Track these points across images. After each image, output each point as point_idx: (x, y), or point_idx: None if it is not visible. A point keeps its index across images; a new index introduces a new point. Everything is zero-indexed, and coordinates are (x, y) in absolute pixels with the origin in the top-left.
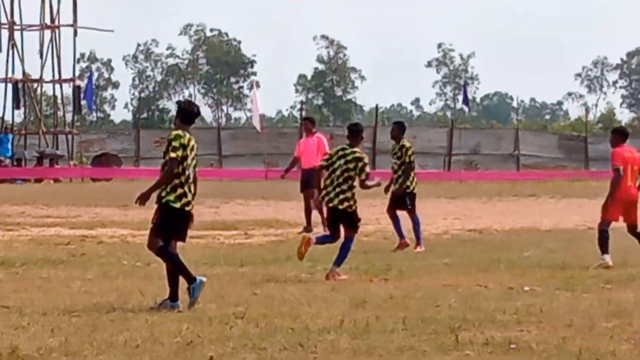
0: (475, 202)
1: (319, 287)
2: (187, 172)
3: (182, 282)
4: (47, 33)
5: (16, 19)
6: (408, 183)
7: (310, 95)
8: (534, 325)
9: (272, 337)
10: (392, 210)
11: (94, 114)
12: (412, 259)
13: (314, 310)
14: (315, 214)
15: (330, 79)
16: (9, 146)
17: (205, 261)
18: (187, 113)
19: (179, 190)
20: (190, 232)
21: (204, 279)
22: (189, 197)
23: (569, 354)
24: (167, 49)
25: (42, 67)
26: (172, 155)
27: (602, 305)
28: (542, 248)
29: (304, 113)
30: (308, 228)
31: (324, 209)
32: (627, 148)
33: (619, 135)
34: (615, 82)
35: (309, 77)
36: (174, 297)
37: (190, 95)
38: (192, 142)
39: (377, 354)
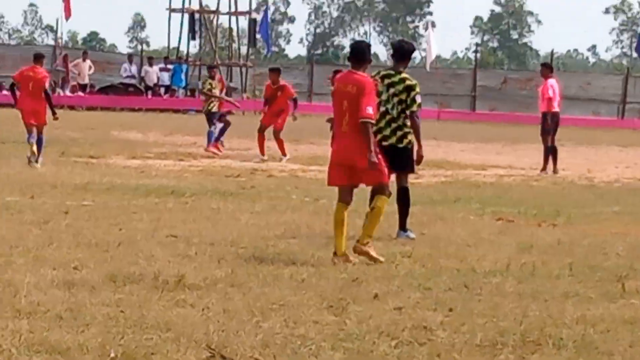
0: None
1: (486, 229)
2: (380, 109)
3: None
4: None
5: None
6: None
7: (485, 38)
8: None
9: (437, 277)
10: None
11: (268, 50)
12: (581, 206)
13: (481, 252)
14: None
15: (506, 22)
16: (183, 77)
17: None
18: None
19: (375, 127)
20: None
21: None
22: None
23: None
24: None
25: None
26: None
27: None
28: None
29: (478, 55)
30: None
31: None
32: None
33: None
34: None
35: (485, 19)
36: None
37: (365, 34)
38: None
39: (542, 299)
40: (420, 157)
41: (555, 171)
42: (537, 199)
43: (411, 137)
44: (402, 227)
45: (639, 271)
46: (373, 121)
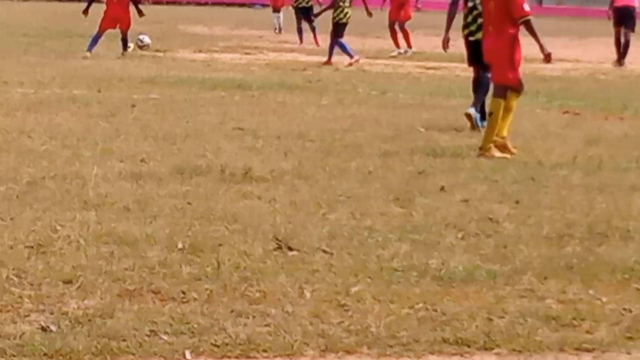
0: None
1: (553, 122)
2: (469, 4)
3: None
4: None
5: None
6: None
7: None
8: None
9: (504, 169)
10: None
11: None
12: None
13: (548, 145)
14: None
15: None
16: None
17: (441, 93)
18: None
19: (464, 22)
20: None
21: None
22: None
23: None
24: None
25: None
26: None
27: None
28: None
29: None
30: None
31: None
32: None
33: None
34: None
35: None
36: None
37: None
38: None
39: (608, 192)
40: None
41: (620, 64)
42: (604, 92)
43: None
44: (481, 116)
45: None
46: (531, 17)
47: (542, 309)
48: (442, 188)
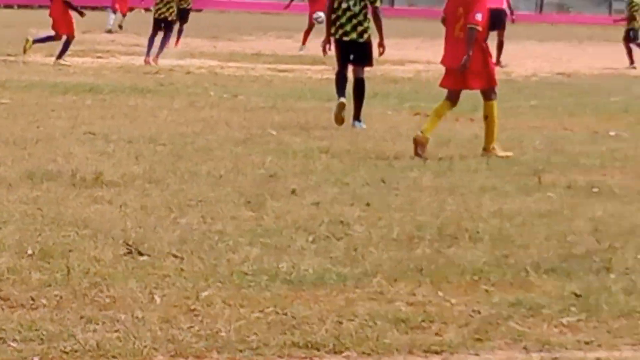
0: (565, 45)
1: (404, 124)
2: (342, 6)
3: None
4: None
5: None
6: None
7: None
8: (618, 170)
9: (354, 172)
10: None
11: None
12: (499, 100)
13: (398, 147)
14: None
15: None
16: None
17: (292, 95)
18: None
19: (337, 23)
20: (278, 66)
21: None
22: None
23: None
24: None
25: None
26: None
27: None
28: (630, 94)
29: None
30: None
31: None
32: None
33: None
34: None
35: None
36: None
37: None
38: None
39: (458, 193)
40: (383, 49)
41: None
42: None
43: (371, 32)
44: (357, 117)
45: (556, 165)
46: (480, 28)
47: (392, 312)
48: (293, 191)
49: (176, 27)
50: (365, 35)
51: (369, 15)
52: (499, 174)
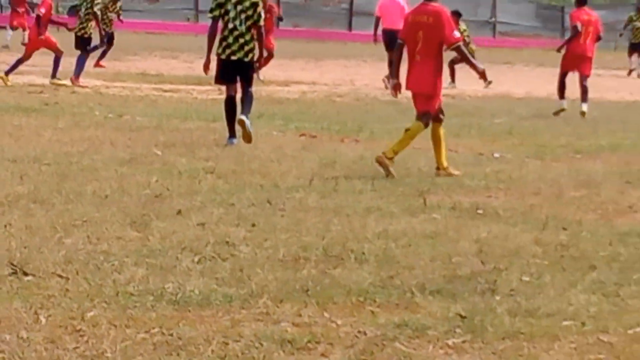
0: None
1: (289, 145)
2: (229, 26)
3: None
4: None
5: None
6: None
7: None
8: (502, 192)
9: (240, 192)
10: None
11: None
12: (384, 122)
13: (284, 168)
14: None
15: None
16: None
17: (178, 115)
18: None
19: (223, 43)
20: (163, 86)
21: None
22: (234, 47)
23: (536, 220)
24: None
25: None
26: (209, 15)
27: (570, 174)
28: (514, 115)
29: None
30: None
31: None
32: (586, 11)
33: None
34: None
35: None
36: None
37: None
38: None
39: (344, 214)
40: (260, 66)
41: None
42: (340, 114)
43: (256, 51)
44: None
45: (440, 186)
46: (461, 42)
47: (278, 332)
48: (179, 211)
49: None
50: (251, 55)
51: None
52: (384, 195)
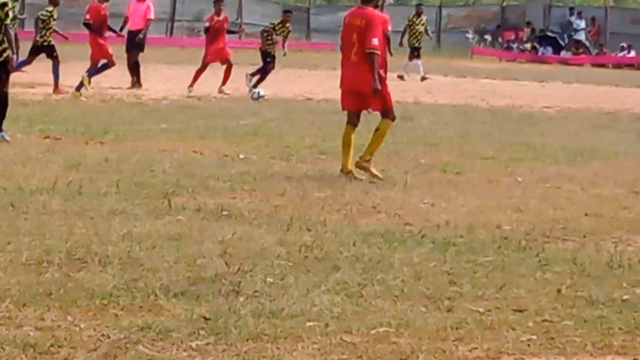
0: (196, 68)
1: (34, 147)
2: None
3: None
4: None
5: None
6: None
7: None
8: (247, 193)
9: None
10: None
11: None
12: (129, 124)
13: (28, 170)
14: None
15: None
16: None
17: None
18: None
19: None
20: None
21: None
22: None
23: (280, 221)
24: None
25: None
26: None
27: (315, 175)
28: (260, 117)
29: None
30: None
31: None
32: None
33: None
34: None
35: None
36: None
37: None
38: None
39: (88, 217)
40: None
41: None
42: (85, 117)
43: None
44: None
45: (185, 187)
46: (378, 52)
47: (20, 337)
48: None
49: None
50: (4, 54)
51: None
52: (129, 197)
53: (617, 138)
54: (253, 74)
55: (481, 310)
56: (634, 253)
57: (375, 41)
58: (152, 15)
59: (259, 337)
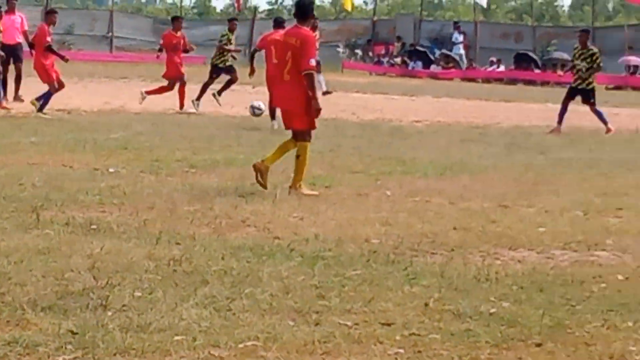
0: (67, 82)
1: None
2: None
3: None
4: None
5: None
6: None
7: None
8: (116, 207)
9: None
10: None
11: None
12: None
13: None
14: None
15: None
16: None
17: None
18: None
19: None
20: None
21: None
22: None
23: (149, 235)
24: None
25: None
26: None
27: (185, 189)
28: (130, 130)
29: None
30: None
31: None
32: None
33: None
34: None
35: None
36: None
37: None
38: None
39: None
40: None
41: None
42: None
43: None
44: None
45: (54, 201)
46: (314, 72)
47: None
48: None
49: None
50: None
51: None
52: None
53: (486, 152)
54: (220, 92)
55: (349, 324)
56: (501, 267)
57: (313, 62)
58: (26, 27)
59: (127, 352)
